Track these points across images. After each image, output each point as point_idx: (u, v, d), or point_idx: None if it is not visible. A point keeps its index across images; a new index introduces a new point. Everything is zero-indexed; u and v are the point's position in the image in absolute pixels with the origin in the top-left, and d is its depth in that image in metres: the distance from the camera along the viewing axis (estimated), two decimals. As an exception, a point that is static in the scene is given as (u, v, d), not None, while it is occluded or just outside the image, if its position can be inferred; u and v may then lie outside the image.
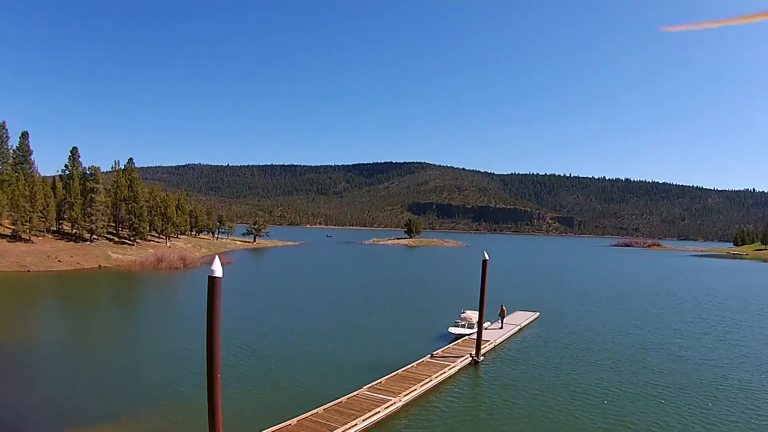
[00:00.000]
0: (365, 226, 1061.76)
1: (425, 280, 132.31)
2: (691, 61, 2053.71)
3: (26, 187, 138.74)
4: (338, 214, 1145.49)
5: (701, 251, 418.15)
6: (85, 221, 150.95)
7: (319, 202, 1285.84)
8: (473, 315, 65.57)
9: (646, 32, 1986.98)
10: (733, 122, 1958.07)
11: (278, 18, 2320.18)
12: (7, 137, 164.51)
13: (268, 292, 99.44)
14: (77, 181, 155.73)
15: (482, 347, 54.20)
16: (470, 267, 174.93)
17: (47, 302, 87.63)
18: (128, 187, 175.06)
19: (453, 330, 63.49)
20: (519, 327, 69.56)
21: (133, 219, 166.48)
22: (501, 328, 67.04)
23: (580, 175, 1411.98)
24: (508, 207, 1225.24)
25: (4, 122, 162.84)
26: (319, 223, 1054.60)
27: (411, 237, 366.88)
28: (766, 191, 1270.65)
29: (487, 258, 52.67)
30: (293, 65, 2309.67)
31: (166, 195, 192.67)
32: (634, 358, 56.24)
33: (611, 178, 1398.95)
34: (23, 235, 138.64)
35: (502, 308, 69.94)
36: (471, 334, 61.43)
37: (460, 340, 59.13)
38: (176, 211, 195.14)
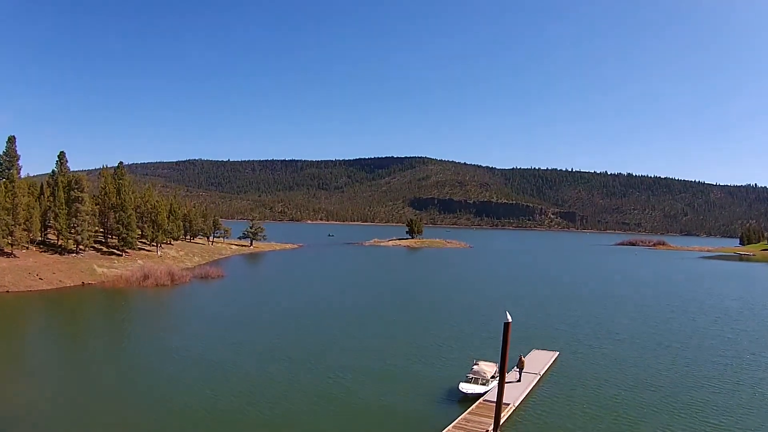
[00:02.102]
0: (366, 222, 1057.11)
1: (426, 298, 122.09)
2: (693, 56, 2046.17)
3: (8, 198, 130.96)
4: (339, 210, 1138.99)
5: (708, 251, 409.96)
6: (70, 232, 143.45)
7: (320, 197, 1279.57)
8: (487, 367, 57.69)
9: (648, 27, 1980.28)
10: (734, 117, 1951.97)
11: (279, 14, 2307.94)
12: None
13: (244, 325, 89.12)
14: (62, 190, 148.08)
15: (501, 414, 46.28)
16: (476, 277, 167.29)
17: (19, 335, 79.92)
18: (116, 194, 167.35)
19: (464, 387, 55.07)
20: (539, 376, 61.49)
21: (121, 229, 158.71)
22: (519, 380, 58.84)
23: (582, 170, 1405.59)
24: (510, 202, 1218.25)
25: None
26: (320, 219, 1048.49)
27: (413, 237, 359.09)
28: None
29: (510, 320, 44.75)
30: (294, 60, 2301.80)
31: (158, 201, 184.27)
32: (665, 420, 48.57)
33: (613, 172, 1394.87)
34: (5, 249, 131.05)
35: (520, 359, 61.89)
36: (486, 392, 53.62)
37: (473, 407, 50.91)
38: (168, 217, 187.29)
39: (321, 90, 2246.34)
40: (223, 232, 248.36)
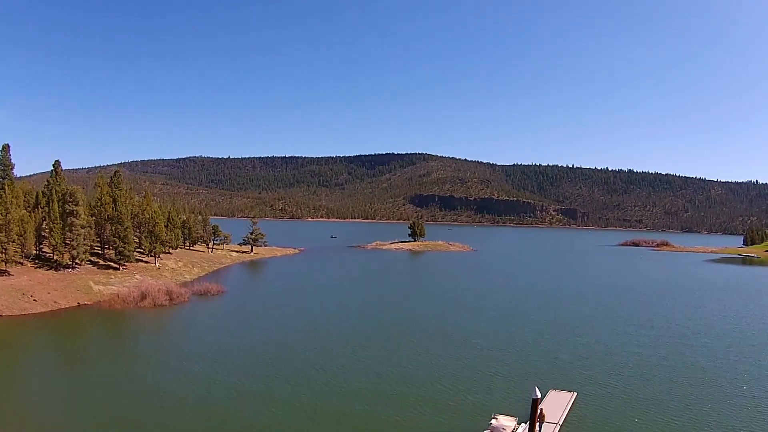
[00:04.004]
0: (367, 219, 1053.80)
1: (434, 324, 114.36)
2: (694, 53, 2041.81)
3: (0, 214, 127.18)
4: (340, 207, 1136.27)
5: (712, 252, 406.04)
6: (65, 247, 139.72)
7: (320, 195, 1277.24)
8: (506, 422, 53.92)
9: (649, 25, 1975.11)
10: (735, 114, 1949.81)
11: (279, 11, 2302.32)
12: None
13: (241, 361, 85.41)
14: (57, 203, 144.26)
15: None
16: (484, 292, 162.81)
17: (10, 369, 76.24)
18: (113, 204, 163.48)
19: None
20: (558, 426, 57.66)
21: (118, 242, 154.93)
22: (537, 435, 54.94)
23: (583, 166, 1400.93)
24: (511, 199, 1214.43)
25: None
26: (321, 216, 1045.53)
27: (415, 240, 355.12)
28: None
29: (539, 395, 41.25)
30: (294, 57, 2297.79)
31: (155, 211, 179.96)
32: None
33: (614, 169, 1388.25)
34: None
35: (541, 411, 57.80)
36: (505, 454, 49.99)
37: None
38: (167, 226, 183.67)
39: (321, 86, 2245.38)
40: (223, 238, 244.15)
